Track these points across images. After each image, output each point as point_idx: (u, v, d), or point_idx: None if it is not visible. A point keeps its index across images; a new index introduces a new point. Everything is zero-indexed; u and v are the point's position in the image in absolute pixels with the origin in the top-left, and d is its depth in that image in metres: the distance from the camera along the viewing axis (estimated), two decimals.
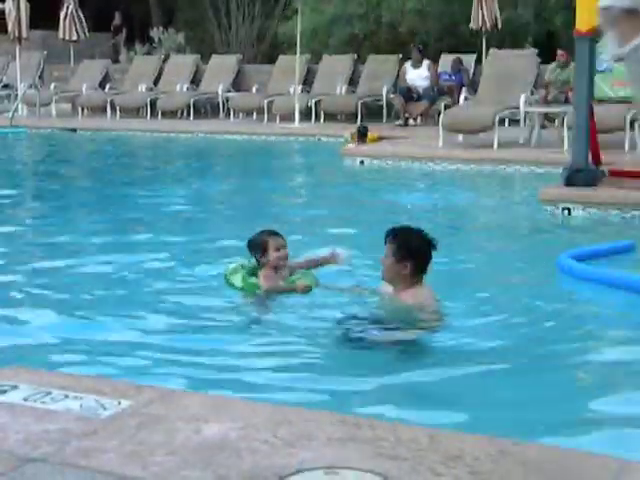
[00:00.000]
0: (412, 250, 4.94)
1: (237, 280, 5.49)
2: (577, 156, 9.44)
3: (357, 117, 17.25)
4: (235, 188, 11.63)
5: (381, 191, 10.99)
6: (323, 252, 5.73)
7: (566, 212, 8.86)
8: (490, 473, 2.55)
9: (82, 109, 20.79)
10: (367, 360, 4.49)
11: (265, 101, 18.25)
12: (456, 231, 8.39)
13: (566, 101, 13.33)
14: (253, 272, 5.50)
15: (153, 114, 19.69)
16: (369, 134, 14.51)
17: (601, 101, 9.84)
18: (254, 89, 19.37)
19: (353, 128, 14.97)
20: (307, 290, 5.32)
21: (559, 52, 14.82)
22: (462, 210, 9.73)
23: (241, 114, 19.04)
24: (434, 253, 4.97)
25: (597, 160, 9.79)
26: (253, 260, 5.54)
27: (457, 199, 10.36)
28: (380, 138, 14.50)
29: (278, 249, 5.40)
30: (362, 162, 13.09)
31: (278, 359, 4.48)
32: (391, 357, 4.51)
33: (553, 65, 14.86)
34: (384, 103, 17.62)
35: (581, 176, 9.23)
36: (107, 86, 21.31)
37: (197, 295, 5.65)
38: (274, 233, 5.49)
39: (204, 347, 4.63)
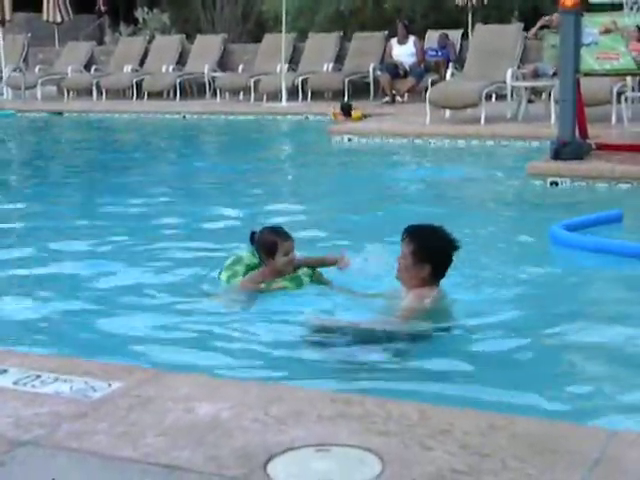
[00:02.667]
0: (433, 251, 4.50)
1: (224, 279, 5.14)
2: (564, 130, 9.46)
3: (344, 95, 17.20)
4: (222, 168, 11.61)
5: (369, 168, 11.00)
6: (333, 254, 5.34)
7: (554, 185, 8.89)
8: (480, 447, 2.57)
9: (68, 91, 20.68)
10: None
11: (251, 80, 18.18)
12: (445, 206, 8.39)
13: (554, 75, 13.31)
14: (254, 267, 5.11)
15: (139, 95, 19.60)
16: (353, 112, 14.49)
17: (587, 74, 9.81)
18: (240, 68, 19.30)
19: (336, 106, 14.94)
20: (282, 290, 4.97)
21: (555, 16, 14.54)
22: (450, 185, 9.74)
23: (227, 94, 18.96)
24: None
25: (584, 133, 9.81)
26: (250, 255, 5.18)
27: (445, 175, 10.37)
28: (364, 116, 14.48)
29: (287, 253, 4.98)
30: (350, 139, 13.08)
31: (268, 340, 4.47)
32: None
33: (545, 30, 14.73)
34: (371, 80, 17.58)
35: (568, 150, 9.26)
36: (92, 68, 21.19)
37: (186, 276, 5.64)
38: (284, 234, 5.03)
39: (195, 328, 4.63)
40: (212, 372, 3.75)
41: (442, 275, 4.59)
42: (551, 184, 8.92)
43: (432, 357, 4.22)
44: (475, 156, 11.82)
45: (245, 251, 5.26)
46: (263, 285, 4.99)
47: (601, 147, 9.74)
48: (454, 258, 4.59)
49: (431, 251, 4.50)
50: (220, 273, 5.19)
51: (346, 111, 14.60)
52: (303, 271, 5.10)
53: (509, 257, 6.11)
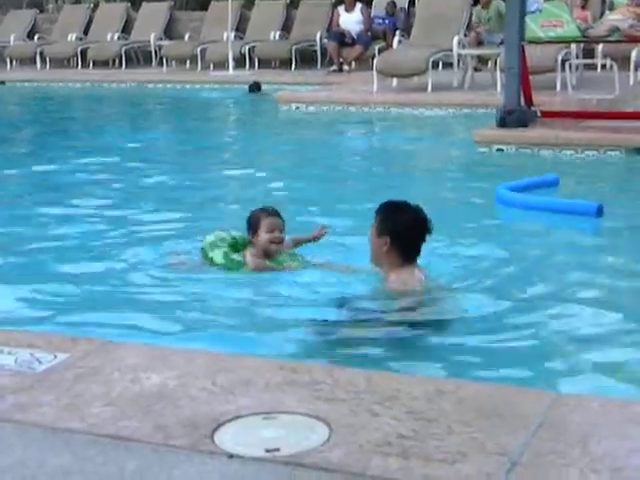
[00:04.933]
0: (396, 225, 4.36)
1: (218, 256, 4.92)
2: (509, 97, 9.53)
3: (291, 63, 17.12)
4: (169, 138, 11.52)
5: (317, 136, 10.98)
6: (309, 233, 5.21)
7: (500, 152, 8.98)
8: (427, 412, 2.59)
9: (10, 60, 20.30)
10: (305, 311, 4.44)
11: (198, 49, 17.99)
12: (393, 173, 8.44)
13: (501, 43, 13.35)
14: (237, 247, 4.98)
15: (84, 64, 19.32)
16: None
17: (532, 42, 9.86)
18: (186, 37, 19.09)
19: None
20: (295, 269, 4.86)
21: None
22: (398, 153, 9.77)
23: (174, 62, 18.76)
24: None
25: (529, 101, 9.88)
26: (234, 232, 5.06)
27: (393, 142, 10.40)
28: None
29: (272, 230, 4.86)
30: (297, 108, 13.04)
31: (215, 309, 4.46)
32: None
33: (478, 7, 14.81)
34: (318, 49, 17.49)
35: (514, 117, 9.33)
36: (36, 36, 20.83)
37: (131, 246, 5.59)
38: (272, 212, 4.92)
39: (140, 298, 4.60)
40: (157, 341, 3.73)
41: (410, 254, 4.39)
42: (497, 151, 9.01)
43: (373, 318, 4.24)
44: (422, 124, 11.85)
45: (220, 230, 5.12)
46: (269, 263, 4.86)
47: (546, 114, 9.83)
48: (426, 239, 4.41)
49: (391, 223, 4.37)
50: (205, 251, 4.97)
51: (255, 89, 14.68)
52: (287, 252, 4.97)
53: (457, 219, 6.19)
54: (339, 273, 4.80)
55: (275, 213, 4.92)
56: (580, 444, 2.38)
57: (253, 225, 4.89)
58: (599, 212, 6.18)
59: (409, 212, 4.39)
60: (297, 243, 5.15)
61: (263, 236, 4.85)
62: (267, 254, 4.89)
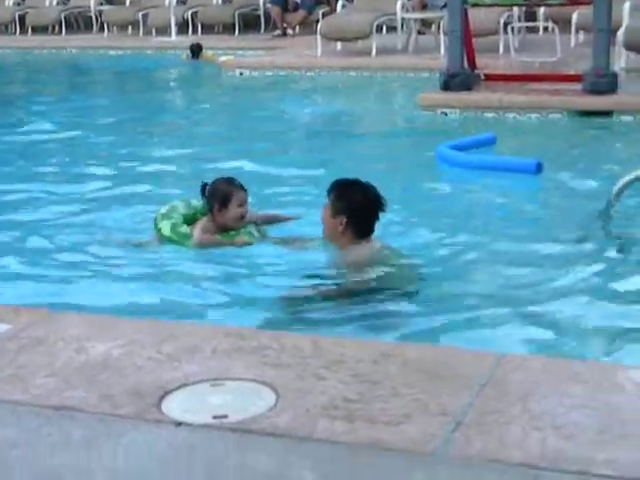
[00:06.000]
0: (350, 205, 4.32)
1: (166, 228, 4.75)
2: (452, 61, 9.55)
3: (235, 28, 16.96)
4: (111, 105, 11.36)
5: (261, 102, 10.91)
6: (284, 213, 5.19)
7: (444, 115, 9.02)
8: (372, 375, 2.62)
9: None
10: (251, 281, 4.42)
11: (140, 14, 17.72)
12: (338, 138, 8.43)
13: (443, 7, 13.35)
14: (190, 218, 4.82)
15: (22, 30, 18.95)
16: (209, 53, 14.44)
17: (475, 5, 9.88)
18: (127, 1, 18.79)
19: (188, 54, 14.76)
20: (245, 246, 4.73)
21: None
22: (343, 117, 9.75)
23: (115, 28, 18.47)
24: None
25: (472, 64, 9.91)
26: (195, 202, 4.89)
27: (337, 107, 10.38)
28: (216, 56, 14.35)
29: (241, 205, 4.71)
30: (241, 74, 12.95)
31: (160, 278, 4.43)
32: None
33: None
34: (262, 13, 17.34)
35: (457, 81, 9.37)
36: None
37: (69, 216, 5.55)
38: (239, 184, 4.75)
39: (86, 268, 4.55)
40: (101, 311, 3.70)
41: (365, 231, 4.37)
42: (441, 114, 9.05)
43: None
44: (367, 88, 11.84)
45: (177, 200, 4.99)
46: (219, 237, 4.72)
47: (489, 77, 9.87)
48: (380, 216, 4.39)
49: (345, 203, 4.32)
50: (156, 221, 4.81)
51: (195, 52, 14.54)
52: (251, 227, 4.84)
53: (403, 184, 6.24)
54: (292, 247, 4.73)
55: (243, 187, 4.76)
56: (522, 402, 2.43)
57: (221, 198, 4.68)
58: (538, 169, 6.33)
59: (363, 191, 4.35)
60: (265, 221, 4.98)
61: (235, 211, 4.68)
62: (227, 228, 4.74)
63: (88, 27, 19.06)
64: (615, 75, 9.04)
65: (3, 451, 2.28)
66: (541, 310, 3.92)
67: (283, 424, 2.35)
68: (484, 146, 7.31)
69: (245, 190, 4.75)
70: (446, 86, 9.39)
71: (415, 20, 13.63)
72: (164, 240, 4.76)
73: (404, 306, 4.02)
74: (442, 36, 12.38)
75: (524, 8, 12.69)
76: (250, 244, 4.73)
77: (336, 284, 4.28)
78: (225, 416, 2.41)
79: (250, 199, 4.85)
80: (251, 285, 4.34)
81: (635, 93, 8.96)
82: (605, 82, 8.83)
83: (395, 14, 13.45)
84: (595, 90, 8.82)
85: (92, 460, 2.23)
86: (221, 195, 4.70)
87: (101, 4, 18.99)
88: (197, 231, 4.72)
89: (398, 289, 4.18)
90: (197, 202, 4.89)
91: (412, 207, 5.51)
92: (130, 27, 18.07)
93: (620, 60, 10.07)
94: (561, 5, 10.88)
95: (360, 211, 4.32)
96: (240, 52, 14.82)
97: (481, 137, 7.54)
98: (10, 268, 4.54)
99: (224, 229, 4.75)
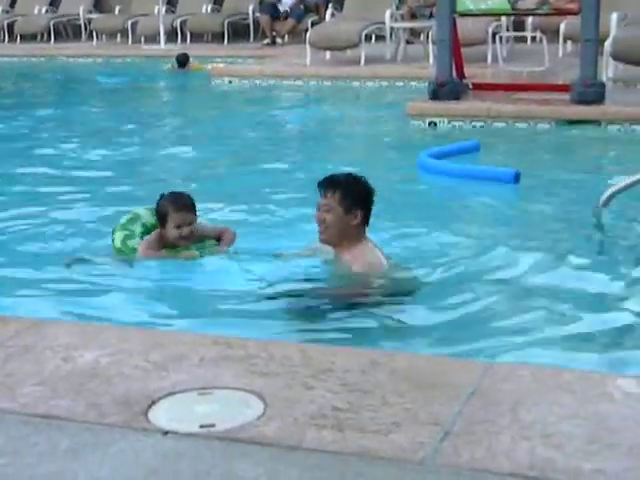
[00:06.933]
0: (361, 196, 4.27)
1: (117, 240, 4.66)
2: (441, 70, 9.57)
3: (224, 37, 16.97)
4: (99, 112, 11.35)
5: (250, 110, 10.92)
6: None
7: (433, 125, 9.04)
8: (361, 384, 2.61)
9: None
10: (238, 286, 4.37)
11: (129, 22, 17.73)
12: (326, 147, 8.44)
13: (431, 16, 13.39)
14: (154, 227, 4.67)
15: (11, 38, 18.92)
16: (196, 64, 14.43)
17: (463, 15, 9.91)
18: (117, 10, 18.78)
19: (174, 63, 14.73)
20: (193, 259, 4.57)
21: None
22: (331, 126, 9.77)
23: (104, 36, 18.47)
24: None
25: (461, 74, 9.94)
26: None
27: (326, 116, 10.39)
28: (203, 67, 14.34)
29: (179, 226, 4.52)
30: (230, 82, 12.96)
31: (149, 288, 4.40)
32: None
33: None
34: (251, 22, 17.36)
35: (445, 90, 9.39)
36: None
37: (52, 224, 5.52)
38: (181, 205, 4.54)
39: (72, 277, 4.51)
40: (90, 319, 3.68)
41: (366, 226, 4.36)
42: (429, 124, 9.06)
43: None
44: (355, 97, 11.86)
45: (143, 208, 4.84)
46: (164, 252, 4.57)
47: (477, 87, 9.90)
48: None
49: (357, 196, 4.26)
50: (114, 232, 4.72)
51: (181, 63, 14.53)
52: (209, 242, 4.70)
53: (389, 190, 6.23)
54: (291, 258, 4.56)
55: (185, 206, 4.55)
56: (511, 412, 2.42)
57: (161, 216, 4.56)
58: (517, 178, 6.36)
59: (363, 181, 4.33)
60: (204, 235, 4.73)
61: (171, 232, 4.53)
62: (175, 246, 4.59)
63: (77, 35, 19.05)
64: (603, 85, 9.08)
65: None
66: (530, 319, 3.91)
67: (271, 433, 2.34)
68: (468, 153, 7.35)
69: (189, 208, 4.56)
70: (435, 95, 9.42)
71: (404, 29, 13.66)
72: (115, 251, 4.66)
73: (393, 315, 4.01)
74: (430, 45, 12.42)
75: (512, 18, 12.74)
76: (196, 258, 4.55)
77: (336, 292, 4.25)
78: (212, 425, 2.40)
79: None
80: (239, 295, 4.30)
81: (622, 103, 9.00)
82: (593, 92, 8.87)
83: (384, 23, 13.49)
84: (583, 100, 8.85)
85: (79, 469, 2.21)
86: (160, 213, 4.58)
87: (90, 12, 18.98)
88: (141, 246, 4.59)
89: (389, 299, 4.17)
90: None
91: (397, 216, 5.49)
92: (119, 35, 18.07)
93: (608, 70, 10.11)
94: (549, 15, 10.91)
95: (370, 201, 4.31)
96: (229, 61, 14.82)
97: (465, 144, 7.59)
98: None
99: (172, 245, 4.60)
